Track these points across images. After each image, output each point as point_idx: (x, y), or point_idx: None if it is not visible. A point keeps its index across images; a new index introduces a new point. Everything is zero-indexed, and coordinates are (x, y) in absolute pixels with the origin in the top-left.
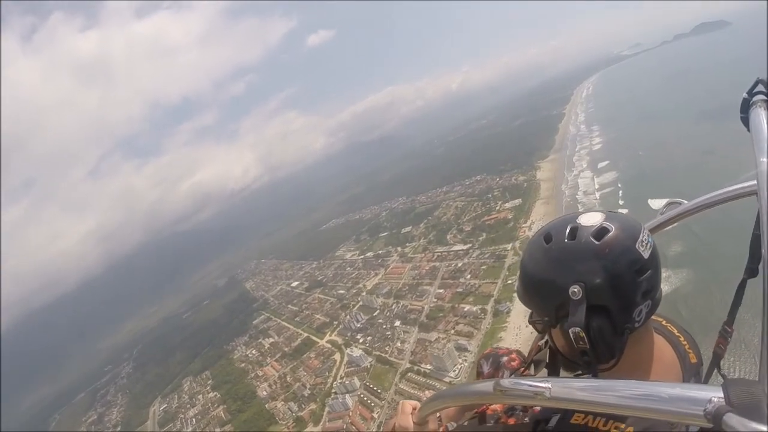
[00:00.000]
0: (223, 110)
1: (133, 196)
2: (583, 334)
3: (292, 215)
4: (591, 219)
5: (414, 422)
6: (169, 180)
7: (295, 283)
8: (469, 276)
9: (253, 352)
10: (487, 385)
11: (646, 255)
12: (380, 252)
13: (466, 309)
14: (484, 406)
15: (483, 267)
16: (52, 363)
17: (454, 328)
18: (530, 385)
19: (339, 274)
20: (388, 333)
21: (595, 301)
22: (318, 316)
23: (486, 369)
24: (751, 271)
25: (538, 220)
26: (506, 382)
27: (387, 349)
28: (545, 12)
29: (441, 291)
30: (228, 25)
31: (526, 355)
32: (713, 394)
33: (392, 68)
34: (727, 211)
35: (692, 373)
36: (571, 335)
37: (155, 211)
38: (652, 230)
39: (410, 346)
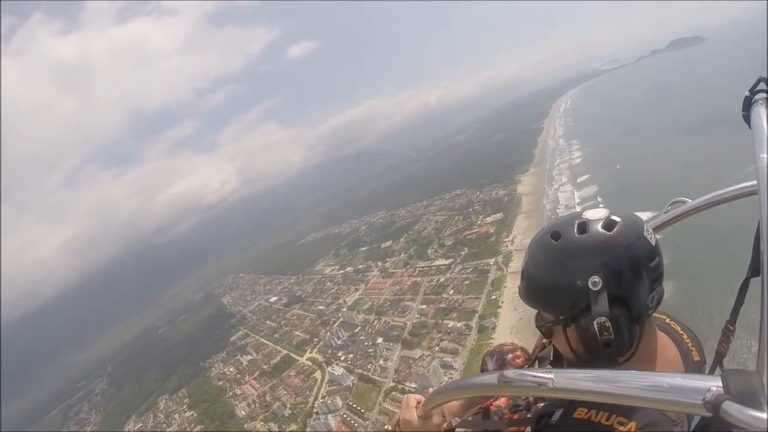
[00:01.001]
0: (203, 120)
1: (111, 206)
2: (609, 324)
3: (270, 229)
4: (596, 213)
5: (418, 416)
6: (147, 190)
7: (273, 299)
8: (452, 291)
9: (231, 369)
10: (491, 377)
11: (653, 242)
12: (360, 267)
13: (450, 325)
14: (488, 402)
15: (466, 282)
16: (25, 377)
17: (438, 345)
18: (534, 376)
19: (318, 289)
20: (371, 350)
21: (613, 290)
22: (297, 333)
23: (491, 366)
24: (755, 270)
25: (520, 234)
26: (510, 373)
27: (369, 367)
28: (524, 28)
29: (423, 307)
30: (209, 34)
31: (530, 352)
32: (712, 384)
33: (372, 82)
34: (708, 221)
35: (695, 371)
36: (596, 326)
37: (133, 223)
38: (657, 228)
39: (393, 363)
